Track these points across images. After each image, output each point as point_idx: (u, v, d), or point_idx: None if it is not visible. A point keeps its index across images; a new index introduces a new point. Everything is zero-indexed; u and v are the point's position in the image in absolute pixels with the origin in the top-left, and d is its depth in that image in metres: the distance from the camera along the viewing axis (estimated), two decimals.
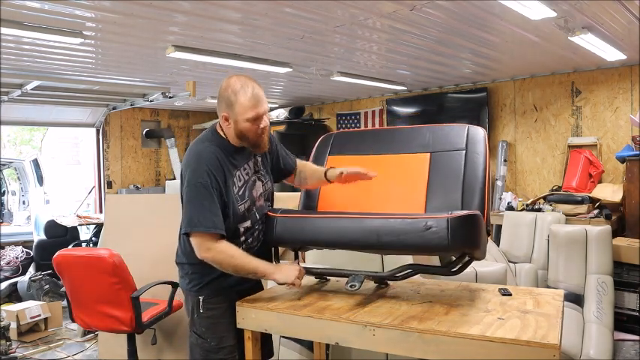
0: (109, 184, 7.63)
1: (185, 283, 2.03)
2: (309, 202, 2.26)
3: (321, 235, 1.91)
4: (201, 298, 1.97)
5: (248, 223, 1.99)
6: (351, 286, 1.80)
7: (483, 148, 2.01)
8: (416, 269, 1.90)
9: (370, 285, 2.07)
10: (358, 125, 7.48)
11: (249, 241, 2.01)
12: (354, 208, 2.03)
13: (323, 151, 2.34)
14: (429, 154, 2.08)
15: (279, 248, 2.20)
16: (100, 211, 7.26)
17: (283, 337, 2.65)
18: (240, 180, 1.96)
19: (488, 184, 1.95)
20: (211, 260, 1.86)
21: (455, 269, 1.84)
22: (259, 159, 2.08)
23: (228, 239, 1.90)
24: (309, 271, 2.10)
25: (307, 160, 2.36)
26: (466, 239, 1.72)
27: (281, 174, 2.23)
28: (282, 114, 7.36)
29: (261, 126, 1.92)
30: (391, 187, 2.07)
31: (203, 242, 1.85)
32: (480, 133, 2.05)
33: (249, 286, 2.07)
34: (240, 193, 1.95)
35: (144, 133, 8.03)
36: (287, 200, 2.65)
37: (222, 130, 1.98)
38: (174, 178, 7.55)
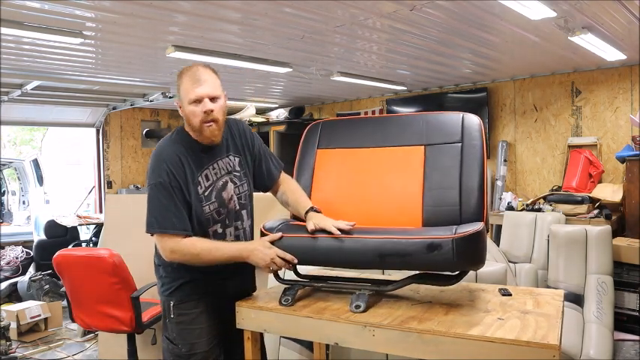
0: (109, 184, 7.63)
1: (159, 285, 1.97)
2: None
3: (321, 255, 1.83)
4: (171, 302, 1.90)
5: (218, 228, 1.89)
6: (355, 307, 1.78)
7: (480, 139, 1.92)
8: (417, 282, 1.89)
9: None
10: None
11: None
12: (349, 207, 1.99)
13: (311, 144, 2.20)
14: (423, 147, 1.99)
15: None
16: (100, 211, 7.27)
17: (283, 337, 2.65)
18: (206, 180, 1.86)
19: (486, 178, 1.91)
20: (179, 262, 1.81)
21: (453, 280, 1.83)
22: (235, 159, 1.97)
23: None
24: (308, 284, 2.03)
25: (296, 153, 2.22)
26: (472, 258, 1.71)
27: (261, 181, 2.09)
28: (282, 114, 7.35)
29: (204, 109, 1.79)
30: (386, 183, 2.00)
31: (165, 244, 1.79)
32: (475, 122, 1.96)
33: (234, 291, 1.97)
34: (206, 193, 1.85)
35: (144, 133, 8.03)
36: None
37: (189, 127, 1.90)
38: None
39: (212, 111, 1.81)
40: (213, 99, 1.82)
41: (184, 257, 1.79)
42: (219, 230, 1.90)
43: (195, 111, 1.81)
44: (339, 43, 4.17)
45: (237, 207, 1.95)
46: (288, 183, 2.10)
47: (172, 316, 1.90)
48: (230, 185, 1.92)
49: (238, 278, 2.02)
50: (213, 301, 1.94)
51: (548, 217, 4.53)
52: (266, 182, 2.10)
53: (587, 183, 5.28)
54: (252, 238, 2.04)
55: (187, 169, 1.82)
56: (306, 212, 1.92)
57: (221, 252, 1.81)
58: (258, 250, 1.80)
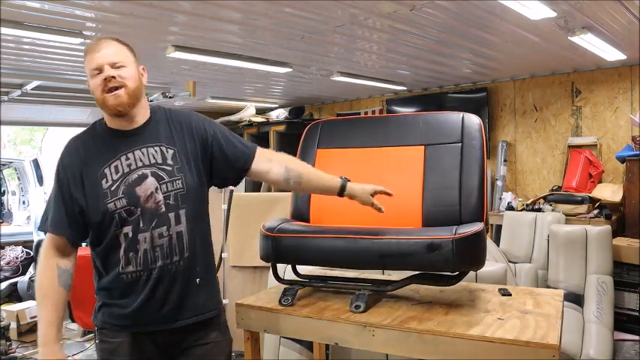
0: None
1: None
2: (301, 202, 2.13)
3: (321, 255, 1.81)
4: (96, 326, 1.65)
5: (129, 231, 1.54)
6: (355, 307, 1.78)
7: (480, 139, 1.92)
8: (417, 282, 1.89)
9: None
10: None
11: (131, 260, 1.55)
12: (349, 207, 1.98)
13: (311, 144, 2.18)
14: (423, 147, 1.98)
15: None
16: None
17: (283, 337, 2.65)
18: (115, 172, 1.56)
19: (486, 178, 1.91)
20: (36, 271, 1.56)
21: (453, 280, 1.83)
22: (168, 151, 1.62)
23: (104, 258, 1.59)
24: (308, 284, 2.02)
25: (295, 153, 2.14)
26: (472, 258, 1.71)
27: (231, 167, 1.71)
28: (282, 114, 7.35)
29: (104, 77, 1.53)
30: (386, 183, 1.95)
31: (43, 246, 1.60)
32: (475, 122, 1.96)
33: (177, 323, 1.60)
34: (112, 188, 1.54)
35: None
36: (287, 201, 2.61)
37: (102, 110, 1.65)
38: None
39: (113, 77, 1.54)
40: (115, 66, 1.56)
41: (39, 270, 1.59)
42: (130, 234, 1.55)
43: (96, 82, 1.55)
44: (339, 43, 4.17)
45: (162, 208, 1.57)
46: (278, 157, 1.78)
47: (97, 341, 1.65)
48: (150, 180, 1.57)
49: (185, 306, 1.61)
50: (142, 334, 1.59)
51: (548, 217, 4.53)
52: (238, 164, 1.72)
53: (587, 183, 5.27)
54: (192, 249, 1.62)
55: (89, 160, 1.57)
56: (344, 185, 1.75)
57: (44, 305, 1.56)
58: (44, 354, 1.54)
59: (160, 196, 1.57)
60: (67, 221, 1.56)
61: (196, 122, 1.72)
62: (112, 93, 1.55)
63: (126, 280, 1.56)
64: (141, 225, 1.55)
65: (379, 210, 1.74)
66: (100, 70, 1.55)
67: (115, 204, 1.54)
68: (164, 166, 1.60)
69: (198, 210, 1.66)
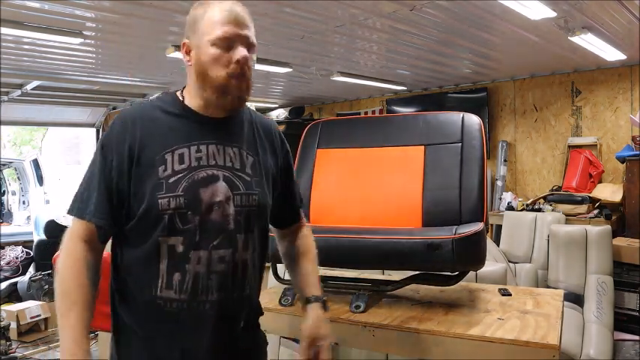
0: None
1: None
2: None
3: (321, 255, 1.72)
4: (112, 347, 1.28)
5: (178, 244, 1.16)
6: (355, 307, 1.78)
7: (480, 139, 1.92)
8: (417, 282, 1.89)
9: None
10: None
11: (174, 283, 1.16)
12: (348, 207, 1.98)
13: (311, 144, 2.17)
14: (423, 147, 1.98)
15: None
16: None
17: (283, 337, 2.65)
18: (179, 162, 1.19)
19: (486, 178, 1.91)
20: (57, 263, 1.17)
21: (453, 280, 1.83)
22: (248, 157, 1.27)
23: (136, 270, 1.20)
24: None
25: (295, 153, 2.11)
26: (472, 258, 1.71)
27: (278, 212, 1.39)
28: (282, 114, 7.36)
29: (236, 57, 1.18)
30: (386, 183, 2.00)
31: (70, 234, 1.19)
32: (475, 122, 1.96)
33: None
34: (171, 180, 1.17)
35: None
36: None
37: (183, 93, 1.28)
38: None
39: (247, 60, 1.20)
40: (251, 49, 1.22)
41: (62, 260, 1.17)
42: (179, 248, 1.16)
43: (221, 56, 1.17)
44: (339, 43, 4.17)
45: (231, 225, 1.20)
46: (307, 238, 1.49)
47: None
48: (222, 186, 1.20)
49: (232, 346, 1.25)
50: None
51: (548, 217, 4.53)
52: (283, 215, 1.44)
53: (587, 183, 5.27)
54: (251, 285, 1.27)
55: (148, 140, 1.18)
56: (309, 298, 1.38)
57: (67, 309, 1.13)
58: None
59: (230, 209, 1.20)
60: (109, 208, 1.17)
61: (278, 136, 1.41)
62: (237, 80, 1.19)
63: (162, 309, 1.16)
64: (197, 239, 1.17)
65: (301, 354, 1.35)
66: (230, 43, 1.18)
67: (168, 201, 1.15)
68: (242, 174, 1.24)
69: (265, 238, 1.33)
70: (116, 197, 1.18)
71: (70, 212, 1.21)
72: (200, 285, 1.17)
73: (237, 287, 1.22)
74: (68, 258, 1.16)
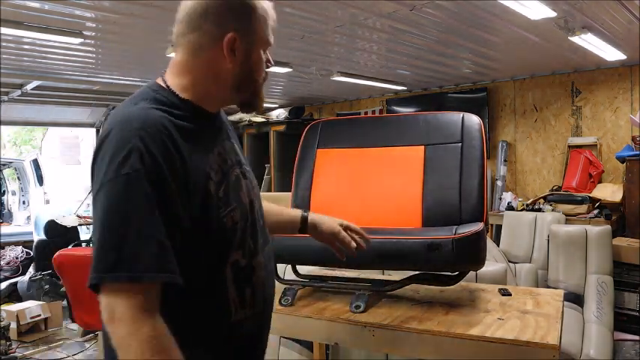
0: None
1: None
2: (301, 202, 2.08)
3: (320, 255, 1.75)
4: None
5: (240, 259, 1.05)
6: (355, 307, 1.78)
7: (480, 139, 1.92)
8: (417, 282, 1.89)
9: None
10: None
11: (246, 299, 1.06)
12: (348, 207, 1.98)
13: (311, 144, 2.16)
14: (423, 146, 1.97)
15: None
16: None
17: (283, 337, 2.65)
18: (216, 171, 1.04)
19: (486, 178, 1.91)
20: (132, 345, 0.84)
21: (453, 280, 1.83)
22: (234, 143, 1.18)
23: (200, 303, 1.00)
24: (308, 284, 2.00)
25: (295, 153, 2.10)
26: (472, 258, 1.71)
27: None
28: (282, 114, 7.36)
29: (270, 64, 1.16)
30: (386, 183, 1.99)
31: (127, 301, 0.85)
32: (475, 122, 1.96)
33: None
34: (220, 194, 1.02)
35: None
36: (287, 200, 2.61)
37: (178, 85, 1.06)
38: None
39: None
40: None
41: (154, 337, 0.85)
42: (242, 262, 1.05)
43: (263, 61, 1.13)
44: (339, 43, 4.17)
45: (261, 220, 1.16)
46: None
47: None
48: (246, 184, 1.12)
49: None
50: None
51: (548, 217, 4.53)
52: None
53: (587, 183, 5.28)
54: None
55: (186, 152, 0.97)
56: (304, 217, 1.42)
57: None
58: None
59: (256, 206, 1.14)
60: (172, 255, 0.91)
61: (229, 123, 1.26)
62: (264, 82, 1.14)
63: (238, 328, 1.05)
64: (251, 246, 1.08)
65: (340, 255, 1.44)
66: (267, 48, 1.14)
67: (231, 218, 1.02)
68: (247, 167, 1.16)
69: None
70: (177, 231, 0.94)
71: (110, 279, 0.86)
72: (264, 289, 1.12)
73: (274, 282, 1.21)
74: (150, 346, 0.84)
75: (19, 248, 6.19)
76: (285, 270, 2.23)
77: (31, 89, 5.46)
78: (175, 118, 0.99)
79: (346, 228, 1.44)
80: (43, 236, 6.13)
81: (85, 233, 6.75)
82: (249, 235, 1.08)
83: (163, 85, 1.05)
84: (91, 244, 0.95)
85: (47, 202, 8.43)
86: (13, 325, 4.35)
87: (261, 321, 1.12)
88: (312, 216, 1.43)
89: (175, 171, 0.93)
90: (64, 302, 4.58)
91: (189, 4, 1.06)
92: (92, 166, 0.95)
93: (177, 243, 0.92)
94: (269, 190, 5.74)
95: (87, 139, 10.13)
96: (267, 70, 1.14)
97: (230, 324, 1.03)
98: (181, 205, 0.94)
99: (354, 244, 1.42)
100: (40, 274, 5.26)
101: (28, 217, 7.88)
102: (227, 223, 1.01)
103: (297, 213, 1.43)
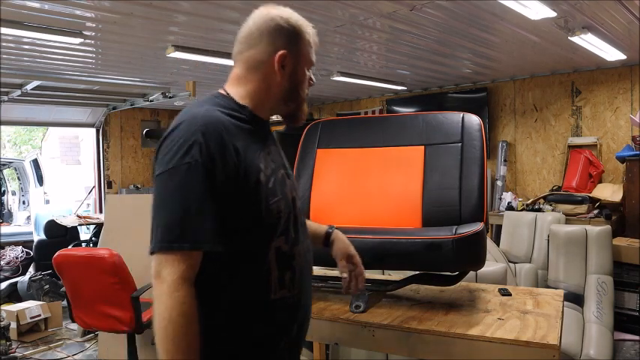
0: (109, 184, 7.63)
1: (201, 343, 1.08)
2: (301, 202, 2.11)
3: (320, 255, 1.75)
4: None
5: (282, 244, 1.19)
6: (355, 307, 1.78)
7: (480, 139, 1.92)
8: (417, 282, 1.89)
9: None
10: None
11: (286, 282, 1.20)
12: (348, 207, 1.98)
13: (311, 144, 2.16)
14: (423, 147, 1.98)
15: None
16: (100, 211, 7.27)
17: None
18: (266, 166, 1.19)
19: (486, 178, 1.91)
20: (165, 302, 1.03)
21: (453, 280, 1.84)
22: (279, 149, 1.34)
23: (244, 279, 1.15)
24: None
25: (295, 153, 2.12)
26: (472, 258, 1.71)
27: None
28: None
29: (312, 81, 1.35)
30: (386, 183, 2.00)
31: (176, 267, 1.04)
32: (475, 122, 1.96)
33: None
34: (270, 185, 1.18)
35: (144, 133, 8.03)
36: None
37: (237, 94, 1.24)
38: None
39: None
40: None
41: (181, 300, 1.04)
42: (285, 248, 1.20)
43: (307, 78, 1.31)
44: (339, 43, 4.17)
45: (302, 217, 1.31)
46: None
47: None
48: (290, 184, 1.28)
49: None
50: None
51: (548, 217, 4.53)
52: None
53: (587, 183, 5.28)
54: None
55: (240, 147, 1.14)
56: (328, 232, 1.54)
57: (179, 347, 1.03)
58: None
59: (298, 204, 1.30)
60: (221, 231, 1.09)
61: None
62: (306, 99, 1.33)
63: (277, 308, 1.19)
64: (292, 235, 1.22)
65: (342, 277, 1.51)
66: (310, 67, 1.33)
67: (277, 205, 1.18)
68: (289, 171, 1.32)
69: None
70: (225, 212, 1.11)
71: (165, 247, 1.05)
72: (303, 277, 1.25)
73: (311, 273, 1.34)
74: (179, 307, 1.03)
75: (19, 248, 6.19)
76: None
77: (31, 89, 5.46)
78: (234, 119, 1.18)
79: (352, 261, 1.51)
80: (43, 236, 6.13)
81: (84, 233, 6.75)
82: (291, 226, 1.22)
83: (224, 93, 1.25)
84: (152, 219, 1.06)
85: (47, 202, 8.43)
86: (13, 325, 4.34)
87: (298, 302, 1.24)
88: (336, 237, 1.54)
89: (229, 162, 1.10)
90: (64, 302, 4.58)
91: (248, 26, 1.26)
92: (158, 149, 1.14)
93: (227, 223, 1.10)
94: None
95: (87, 139, 10.11)
96: (309, 85, 1.32)
97: (270, 301, 1.17)
98: (232, 192, 1.11)
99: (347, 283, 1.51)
100: (40, 274, 5.26)
101: (28, 217, 7.88)
102: (273, 210, 1.17)
103: (324, 228, 1.55)
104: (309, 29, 1.32)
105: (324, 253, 1.54)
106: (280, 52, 1.23)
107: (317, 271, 2.32)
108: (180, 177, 1.07)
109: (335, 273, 2.30)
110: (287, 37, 1.25)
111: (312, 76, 1.34)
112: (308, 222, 1.49)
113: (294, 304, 1.23)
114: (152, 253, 1.08)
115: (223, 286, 1.14)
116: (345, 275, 1.49)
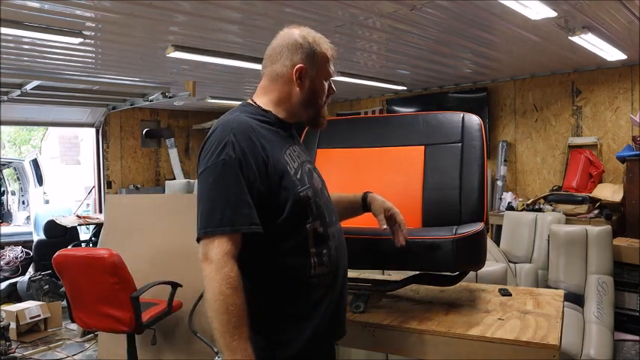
0: (109, 184, 7.63)
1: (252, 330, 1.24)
2: None
3: None
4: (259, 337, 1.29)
5: (318, 226, 1.36)
6: (355, 307, 1.78)
7: (480, 139, 1.91)
8: (417, 282, 1.89)
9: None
10: None
11: (324, 259, 1.36)
12: None
13: (311, 144, 2.15)
14: (423, 146, 1.97)
15: None
16: (100, 211, 7.26)
17: None
18: (292, 161, 1.38)
19: (486, 178, 1.91)
20: (215, 278, 1.19)
21: (453, 280, 1.83)
22: (304, 149, 1.55)
23: (286, 259, 1.32)
24: None
25: None
26: (472, 258, 1.71)
27: None
28: None
29: (330, 90, 1.54)
30: (386, 182, 1.98)
31: (222, 247, 1.21)
32: (475, 122, 1.95)
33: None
34: (299, 176, 1.36)
35: (144, 133, 8.04)
36: None
37: (262, 102, 1.45)
38: (174, 178, 7.55)
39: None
40: None
41: (229, 274, 1.20)
42: (320, 229, 1.36)
43: (324, 88, 1.50)
44: (339, 43, 4.17)
45: (331, 205, 1.48)
46: None
47: None
48: (315, 174, 1.46)
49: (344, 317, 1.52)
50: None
51: (549, 217, 4.53)
52: None
53: (588, 183, 5.28)
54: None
55: (267, 145, 1.33)
56: (365, 196, 1.69)
57: (235, 332, 1.18)
58: None
59: (326, 193, 1.47)
60: (257, 215, 1.26)
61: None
62: (325, 105, 1.52)
63: (317, 284, 1.35)
64: (326, 219, 1.39)
65: (380, 225, 1.64)
66: (327, 80, 1.52)
67: (306, 193, 1.34)
68: (316, 168, 1.51)
69: None
70: (258, 201, 1.27)
71: (210, 232, 1.22)
72: (337, 256, 1.40)
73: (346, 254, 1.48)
74: (227, 281, 1.19)
75: (19, 248, 6.19)
76: None
77: (31, 89, 5.45)
78: (259, 121, 1.37)
79: (391, 215, 1.64)
80: (42, 236, 6.13)
81: (84, 233, 6.75)
82: (324, 210, 1.39)
83: (251, 102, 1.45)
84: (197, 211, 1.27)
85: (47, 202, 8.43)
86: (13, 326, 4.34)
87: (336, 278, 1.39)
88: (372, 198, 1.69)
89: (258, 157, 1.28)
90: (64, 302, 4.58)
91: (272, 45, 1.46)
92: (200, 151, 1.33)
93: (263, 209, 1.27)
94: None
95: (86, 139, 10.12)
96: (329, 93, 1.52)
97: (310, 276, 1.33)
98: (263, 183, 1.28)
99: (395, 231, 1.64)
100: (39, 274, 5.25)
101: (28, 217, 7.88)
102: (304, 197, 1.33)
103: (358, 195, 1.71)
104: (325, 45, 1.50)
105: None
106: (298, 66, 1.41)
107: None
108: (218, 172, 1.25)
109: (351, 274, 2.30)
110: (304, 52, 1.43)
111: (333, 86, 1.52)
112: (340, 194, 1.70)
113: (331, 280, 1.37)
114: (199, 239, 1.24)
115: (268, 264, 1.31)
116: (385, 227, 1.61)
